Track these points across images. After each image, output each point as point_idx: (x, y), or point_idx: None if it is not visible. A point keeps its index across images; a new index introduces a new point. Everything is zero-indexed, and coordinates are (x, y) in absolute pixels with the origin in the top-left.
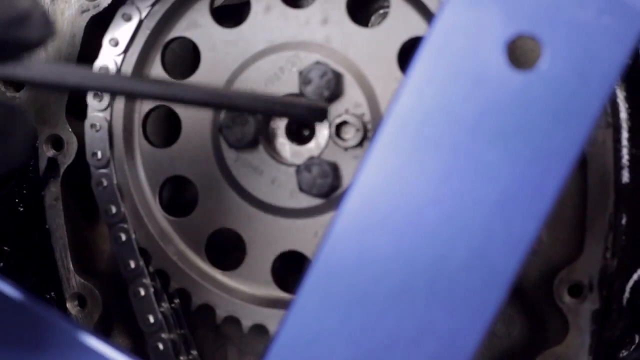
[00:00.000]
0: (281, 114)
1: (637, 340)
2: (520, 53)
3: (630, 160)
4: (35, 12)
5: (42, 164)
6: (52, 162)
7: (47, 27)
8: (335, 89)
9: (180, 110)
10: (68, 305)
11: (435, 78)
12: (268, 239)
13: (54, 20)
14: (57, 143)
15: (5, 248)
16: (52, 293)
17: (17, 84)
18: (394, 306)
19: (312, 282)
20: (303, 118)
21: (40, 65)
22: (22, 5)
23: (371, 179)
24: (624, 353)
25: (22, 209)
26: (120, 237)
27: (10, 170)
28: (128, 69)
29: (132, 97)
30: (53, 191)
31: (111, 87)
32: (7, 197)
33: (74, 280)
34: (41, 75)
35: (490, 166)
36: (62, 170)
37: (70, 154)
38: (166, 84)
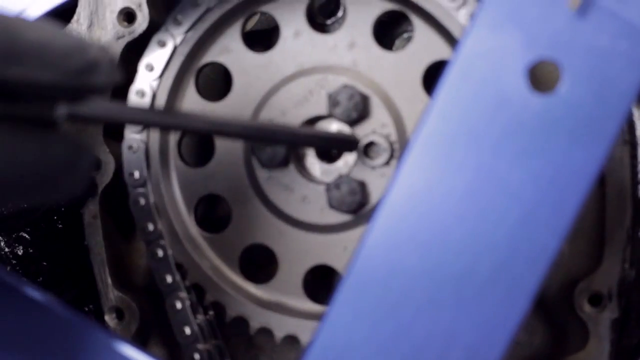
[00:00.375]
0: (317, 146)
1: None
2: (540, 77)
3: None
4: (103, 60)
5: None
6: (91, 182)
7: (113, 74)
8: (362, 111)
9: None
10: (106, 317)
11: (460, 101)
12: (299, 253)
13: None
14: (96, 164)
15: (44, 263)
16: (91, 306)
17: None
18: (422, 318)
19: (344, 294)
20: (337, 149)
21: (103, 104)
22: (92, 54)
23: (400, 197)
24: None
25: (60, 226)
26: (157, 253)
27: (71, 198)
28: (163, 93)
29: (182, 131)
30: (91, 209)
31: (164, 123)
32: (47, 215)
33: (111, 294)
34: (105, 114)
35: (513, 184)
36: (100, 189)
37: (108, 174)
38: (213, 120)
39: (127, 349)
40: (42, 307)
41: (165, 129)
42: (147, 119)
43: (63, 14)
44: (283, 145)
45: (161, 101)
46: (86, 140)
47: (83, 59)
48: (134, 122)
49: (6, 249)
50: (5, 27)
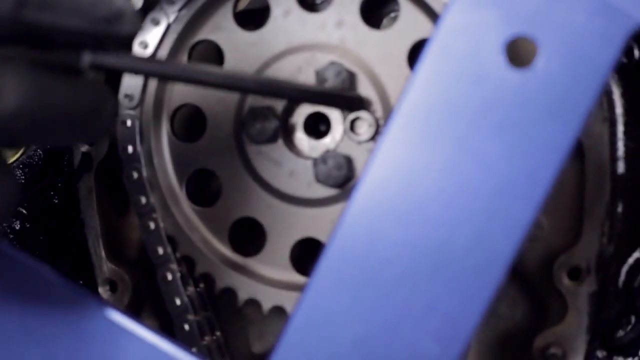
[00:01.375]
0: (330, 104)
1: (632, 321)
2: (518, 53)
3: (625, 152)
4: (128, 10)
5: (77, 159)
6: (86, 157)
7: (137, 24)
8: (349, 87)
9: (205, 108)
10: (100, 290)
11: (440, 76)
12: (287, 226)
13: None
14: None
15: (41, 237)
16: (85, 279)
17: None
18: (401, 287)
19: (325, 265)
20: (348, 107)
21: (126, 56)
22: (118, 4)
23: (380, 170)
24: (621, 333)
25: (56, 201)
26: (149, 226)
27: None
28: None
29: (197, 84)
30: (87, 184)
31: (184, 76)
32: (44, 191)
33: (105, 267)
34: (126, 64)
35: (490, 157)
36: (95, 164)
37: (103, 149)
38: (233, 75)
39: (121, 318)
40: (38, 275)
41: (184, 82)
42: (168, 72)
43: None
44: (272, 121)
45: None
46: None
47: (110, 8)
48: (156, 74)
49: (4, 224)
50: None
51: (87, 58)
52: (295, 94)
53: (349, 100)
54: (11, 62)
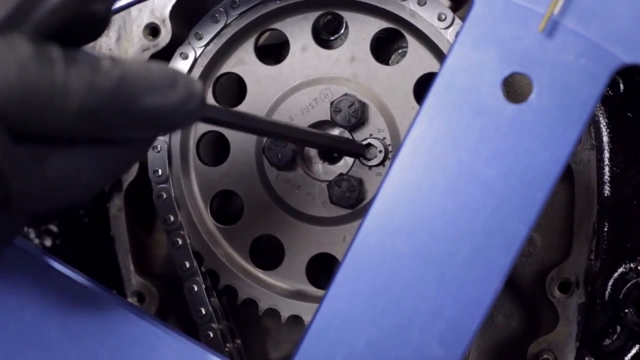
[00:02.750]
0: (333, 150)
1: (618, 330)
2: (514, 89)
3: (611, 177)
4: (197, 108)
5: None
6: (117, 179)
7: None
8: (361, 117)
9: (229, 134)
10: (129, 300)
11: (444, 109)
12: (303, 243)
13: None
14: None
15: (70, 253)
16: (114, 291)
17: None
18: (409, 296)
19: (342, 275)
20: (348, 154)
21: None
22: (192, 106)
23: (391, 192)
24: (608, 342)
25: (86, 220)
26: (177, 242)
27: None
28: None
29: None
30: (117, 203)
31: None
32: (73, 210)
33: (134, 280)
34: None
35: (488, 180)
36: (125, 186)
37: (133, 172)
38: (257, 119)
39: (151, 321)
40: (78, 284)
41: (264, 135)
42: (260, 127)
43: None
44: (290, 147)
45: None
46: None
47: (186, 118)
48: (250, 130)
49: (36, 240)
50: (130, 96)
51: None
52: (311, 141)
53: (352, 147)
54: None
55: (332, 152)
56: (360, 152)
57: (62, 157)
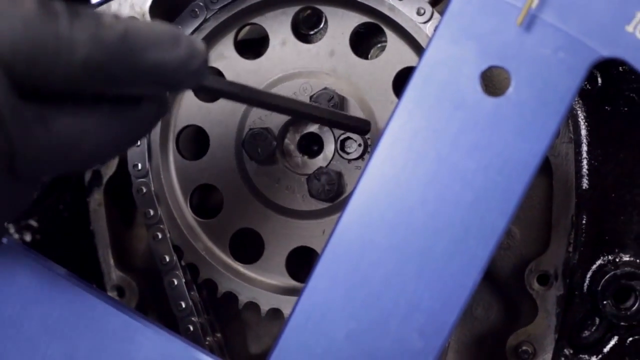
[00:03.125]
0: (339, 126)
1: (597, 322)
2: (492, 82)
3: (589, 170)
4: (202, 63)
5: (88, 175)
6: (96, 173)
7: (202, 76)
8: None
9: (208, 128)
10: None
11: (423, 102)
12: (283, 236)
13: None
14: None
15: (50, 248)
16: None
17: None
18: (389, 288)
19: (321, 268)
20: (354, 130)
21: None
22: (196, 64)
23: (370, 185)
24: (586, 333)
25: (66, 215)
26: (157, 236)
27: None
28: None
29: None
30: (97, 198)
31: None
32: (53, 205)
33: (114, 274)
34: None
35: (467, 173)
36: (104, 180)
37: (112, 166)
38: (286, 99)
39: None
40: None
41: (264, 107)
42: (261, 99)
43: None
44: (270, 141)
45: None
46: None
47: (187, 73)
48: (250, 101)
49: (16, 235)
50: (134, 50)
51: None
52: (318, 116)
53: (357, 123)
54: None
55: (334, 127)
56: (365, 127)
57: (67, 117)
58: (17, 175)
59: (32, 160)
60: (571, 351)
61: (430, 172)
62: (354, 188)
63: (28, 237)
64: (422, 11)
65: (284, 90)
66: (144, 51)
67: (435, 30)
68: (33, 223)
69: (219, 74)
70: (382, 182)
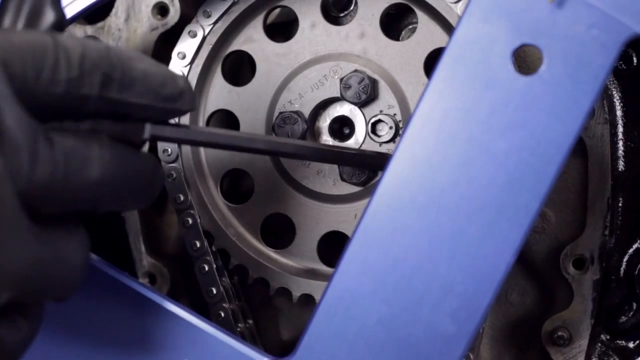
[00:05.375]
0: (352, 164)
1: (634, 307)
2: (524, 60)
3: (625, 151)
4: (188, 90)
5: None
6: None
7: (194, 102)
8: (371, 93)
9: (238, 112)
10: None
11: (454, 82)
12: (314, 221)
13: (129, 37)
14: None
15: None
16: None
17: None
18: (420, 272)
19: (351, 252)
20: (370, 167)
21: (179, 129)
22: (181, 85)
23: (401, 167)
24: (623, 319)
25: None
26: (187, 222)
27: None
28: (193, 78)
29: (243, 151)
30: None
31: (236, 145)
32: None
33: (145, 261)
34: (180, 136)
35: (500, 154)
36: None
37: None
38: (269, 140)
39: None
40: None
41: (236, 150)
42: (218, 141)
43: (102, 8)
44: (300, 124)
45: (192, 85)
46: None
47: (175, 88)
48: (205, 144)
49: None
50: (121, 59)
51: (148, 131)
52: (322, 157)
53: (373, 159)
54: (95, 135)
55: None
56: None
57: (70, 139)
58: (31, 210)
59: (40, 187)
60: (608, 337)
61: (462, 153)
62: (385, 170)
63: None
64: None
65: (314, 73)
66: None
67: (465, 8)
68: None
69: (248, 57)
70: (413, 164)
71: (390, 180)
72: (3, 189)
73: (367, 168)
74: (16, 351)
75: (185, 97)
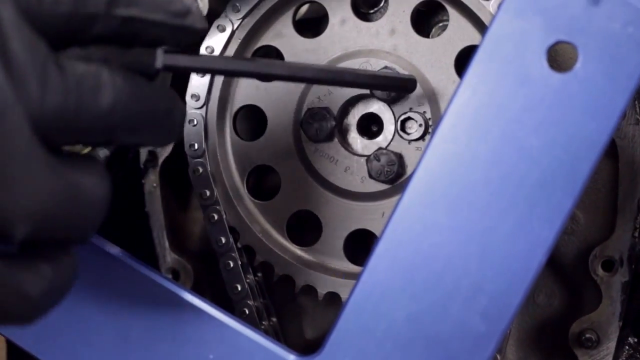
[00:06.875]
0: (380, 87)
1: None
2: (558, 57)
3: None
4: (195, 8)
5: (143, 156)
6: (152, 154)
7: (203, 19)
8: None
9: (266, 108)
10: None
11: (487, 78)
12: (341, 219)
13: None
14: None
15: (105, 230)
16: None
17: None
18: (450, 270)
19: (381, 249)
20: (398, 89)
21: (194, 56)
22: (187, 1)
23: (432, 163)
24: None
25: (120, 196)
26: (213, 217)
27: (168, 143)
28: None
29: (263, 78)
30: (152, 179)
31: (251, 70)
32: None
33: (169, 257)
34: (194, 64)
35: (532, 151)
36: (160, 161)
37: (168, 147)
38: (287, 65)
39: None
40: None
41: (251, 76)
42: (235, 68)
43: None
44: (329, 121)
45: (220, 80)
46: None
47: (182, 4)
48: (223, 72)
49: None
50: None
51: (160, 59)
52: (354, 81)
53: (400, 82)
54: (106, 62)
55: (374, 89)
56: (410, 86)
57: (80, 64)
58: (44, 141)
59: (52, 115)
60: (635, 339)
61: (494, 150)
62: (416, 167)
63: None
64: None
65: None
66: None
67: (500, 4)
68: None
69: (277, 52)
70: (445, 161)
71: (421, 176)
72: (14, 116)
73: (393, 91)
74: (41, 301)
75: (194, 13)
